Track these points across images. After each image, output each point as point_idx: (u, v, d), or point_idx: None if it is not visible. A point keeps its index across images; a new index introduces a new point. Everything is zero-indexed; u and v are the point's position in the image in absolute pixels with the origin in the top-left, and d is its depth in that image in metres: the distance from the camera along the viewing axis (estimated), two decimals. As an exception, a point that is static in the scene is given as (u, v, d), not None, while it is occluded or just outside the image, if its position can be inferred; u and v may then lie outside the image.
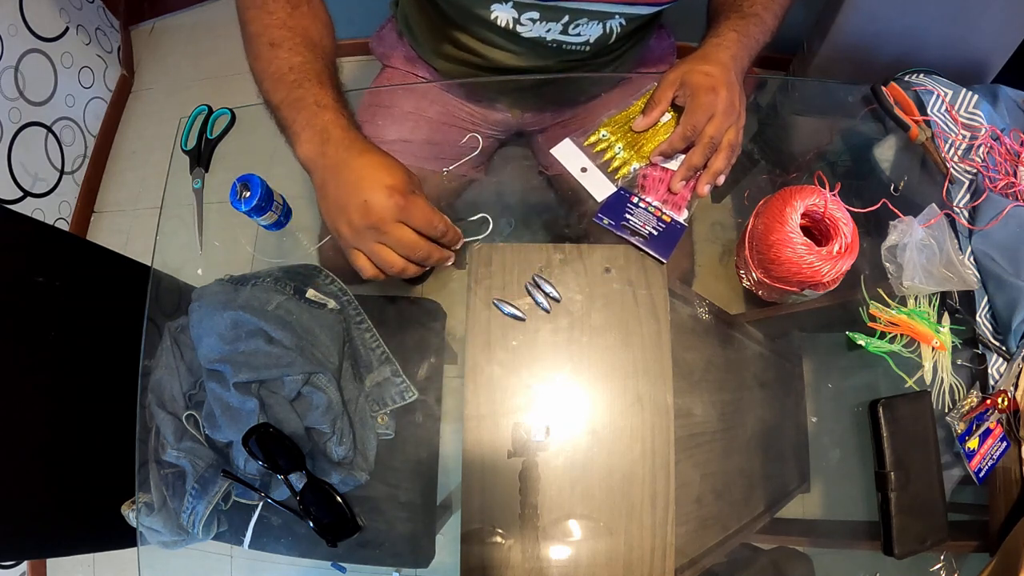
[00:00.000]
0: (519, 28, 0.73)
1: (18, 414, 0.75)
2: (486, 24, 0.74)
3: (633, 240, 0.70)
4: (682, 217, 0.71)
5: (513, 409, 0.65)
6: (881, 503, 0.64)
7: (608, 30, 0.75)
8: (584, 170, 0.74)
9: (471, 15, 0.74)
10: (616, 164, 0.73)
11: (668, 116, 0.73)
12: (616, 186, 0.72)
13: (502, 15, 0.72)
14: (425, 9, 0.83)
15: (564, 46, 0.77)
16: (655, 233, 0.70)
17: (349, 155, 0.56)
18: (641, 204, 0.71)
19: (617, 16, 0.73)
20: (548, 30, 0.74)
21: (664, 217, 0.71)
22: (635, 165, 0.73)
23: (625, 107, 0.76)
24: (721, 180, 0.71)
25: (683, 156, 0.70)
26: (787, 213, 0.63)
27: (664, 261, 0.69)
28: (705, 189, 0.70)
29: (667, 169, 0.72)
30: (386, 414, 0.70)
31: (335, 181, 0.56)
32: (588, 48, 0.77)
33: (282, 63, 0.60)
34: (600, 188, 0.73)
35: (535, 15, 0.72)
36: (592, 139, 0.75)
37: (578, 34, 0.75)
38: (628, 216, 0.71)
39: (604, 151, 0.74)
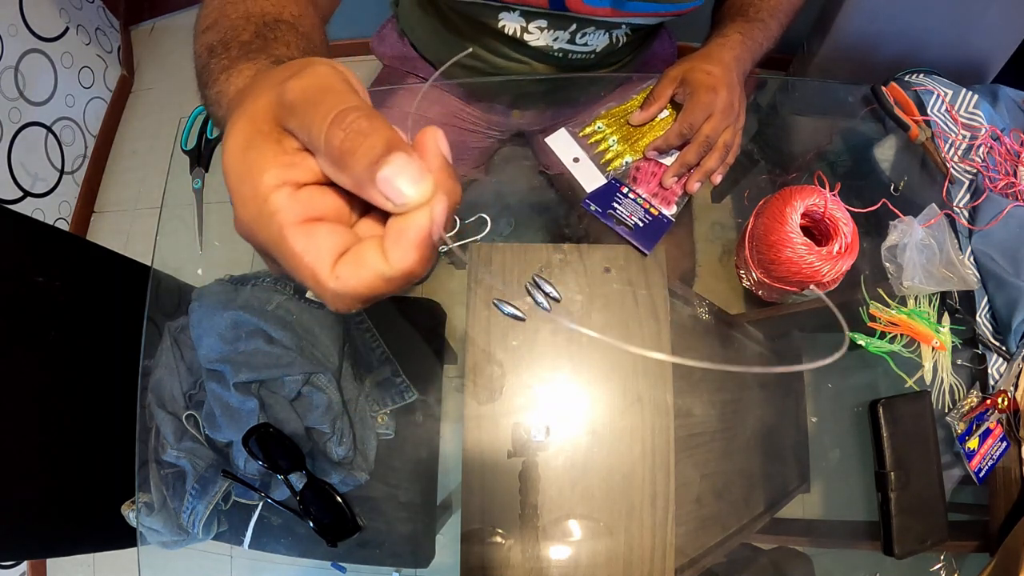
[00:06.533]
0: (527, 37, 0.73)
1: (18, 414, 0.75)
2: (492, 33, 0.74)
3: (618, 229, 0.70)
4: (670, 212, 0.71)
5: (513, 409, 0.65)
6: (881, 503, 0.64)
7: (614, 39, 0.75)
8: (576, 160, 0.74)
9: (477, 24, 0.73)
10: (609, 156, 0.73)
11: (666, 112, 0.72)
12: (606, 178, 0.72)
13: (510, 24, 0.72)
14: (428, 17, 0.82)
15: (570, 55, 0.76)
16: (641, 225, 0.70)
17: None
18: (630, 195, 0.71)
19: (623, 26, 0.73)
20: (555, 38, 0.73)
21: (652, 210, 0.71)
22: (627, 159, 0.72)
23: (624, 101, 0.76)
24: (717, 179, 0.71)
25: (678, 152, 0.70)
26: (787, 213, 0.63)
27: (647, 253, 0.69)
28: (696, 186, 0.70)
29: (661, 164, 0.72)
30: (386, 414, 0.70)
31: None
32: (593, 57, 0.77)
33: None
34: (591, 179, 0.73)
35: (543, 23, 0.71)
36: (587, 130, 0.74)
37: (585, 44, 0.75)
38: (616, 205, 0.71)
39: (598, 143, 0.74)
